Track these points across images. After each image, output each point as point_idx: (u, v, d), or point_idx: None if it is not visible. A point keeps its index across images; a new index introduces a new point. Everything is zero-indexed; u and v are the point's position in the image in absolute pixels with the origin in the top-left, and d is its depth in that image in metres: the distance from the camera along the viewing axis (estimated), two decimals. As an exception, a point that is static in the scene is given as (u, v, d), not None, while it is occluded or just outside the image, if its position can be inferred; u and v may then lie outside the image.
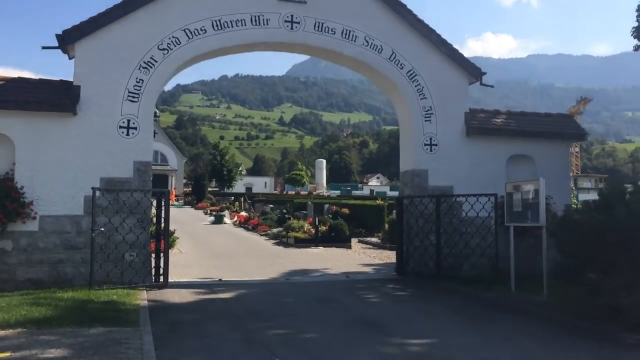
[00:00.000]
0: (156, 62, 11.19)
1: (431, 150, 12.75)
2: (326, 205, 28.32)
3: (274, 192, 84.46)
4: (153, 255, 10.92)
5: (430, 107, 12.81)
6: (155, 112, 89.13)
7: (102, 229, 10.10)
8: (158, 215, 10.93)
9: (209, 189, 62.82)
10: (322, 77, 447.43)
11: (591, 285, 7.82)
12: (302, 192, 66.32)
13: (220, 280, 11.75)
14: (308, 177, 74.94)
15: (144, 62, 11.13)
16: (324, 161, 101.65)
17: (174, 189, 69.87)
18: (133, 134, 11.00)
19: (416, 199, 12.43)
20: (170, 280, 11.12)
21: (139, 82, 11.08)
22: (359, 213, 25.97)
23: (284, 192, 78.08)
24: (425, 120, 12.78)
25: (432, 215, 12.18)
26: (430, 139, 12.78)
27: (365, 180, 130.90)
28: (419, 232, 12.34)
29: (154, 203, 11.14)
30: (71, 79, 10.94)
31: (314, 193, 62.04)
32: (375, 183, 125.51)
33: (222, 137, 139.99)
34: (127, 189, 10.61)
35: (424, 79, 12.80)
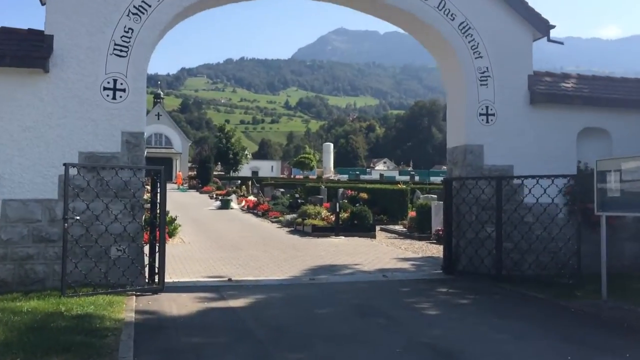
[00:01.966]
0: (149, 6, 8.85)
1: (487, 122, 10.41)
2: (341, 190, 25.99)
3: (281, 176, 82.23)
4: (146, 249, 8.69)
5: (487, 68, 10.44)
6: (160, 94, 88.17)
7: (78, 217, 7.84)
8: (152, 200, 8.67)
9: (215, 173, 60.61)
10: (328, 60, 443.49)
11: None
12: (311, 177, 64.00)
13: (229, 280, 9.52)
14: (316, 160, 72.49)
15: (134, 7, 8.79)
16: (332, 145, 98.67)
17: (180, 172, 67.78)
18: (121, 97, 8.71)
19: (469, 181, 10.11)
20: (168, 280, 8.93)
21: (127, 32, 8.76)
22: (379, 198, 23.63)
23: (292, 176, 75.82)
24: (481, 84, 10.41)
25: (490, 202, 9.87)
26: (487, 107, 10.42)
27: (372, 165, 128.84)
28: (472, 222, 10.05)
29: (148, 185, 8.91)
30: (42, 29, 8.64)
31: (324, 177, 59.71)
32: (382, 167, 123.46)
33: (227, 121, 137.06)
34: (111, 166, 8.33)
35: (479, 33, 10.41)
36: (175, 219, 16.22)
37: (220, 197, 32.92)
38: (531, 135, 10.55)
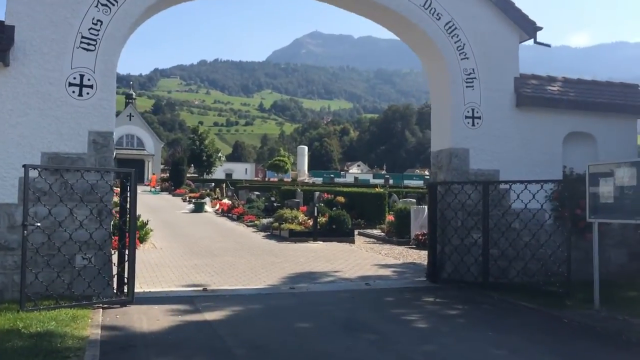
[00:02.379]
0: (119, -3, 8.28)
1: (473, 125, 10.09)
2: (317, 193, 25.61)
3: (256, 178, 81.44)
4: (115, 258, 8.09)
5: (473, 69, 10.13)
6: (132, 94, 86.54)
7: (39, 224, 7.21)
8: (122, 205, 8.07)
9: (188, 175, 59.55)
10: (303, 63, 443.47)
11: None
12: (285, 179, 63.45)
13: (204, 289, 8.97)
14: (291, 163, 71.91)
15: (103, -2, 8.20)
16: (306, 148, 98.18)
17: (154, 174, 66.40)
18: (88, 94, 8.11)
19: (455, 185, 9.76)
20: (138, 290, 8.35)
21: (96, 24, 8.16)
22: (356, 202, 23.27)
23: (266, 179, 75.11)
24: (467, 86, 10.09)
25: (477, 207, 9.55)
26: (473, 110, 10.10)
27: (345, 168, 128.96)
28: (458, 228, 9.71)
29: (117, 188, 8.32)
30: (2, 19, 7.99)
31: (298, 180, 59.20)
32: (356, 171, 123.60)
33: (201, 123, 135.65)
34: (76, 168, 7.71)
35: (465, 34, 10.09)
36: (146, 224, 15.56)
37: (193, 200, 32.12)
38: (517, 139, 10.28)
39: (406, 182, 73.89)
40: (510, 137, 10.22)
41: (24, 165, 6.96)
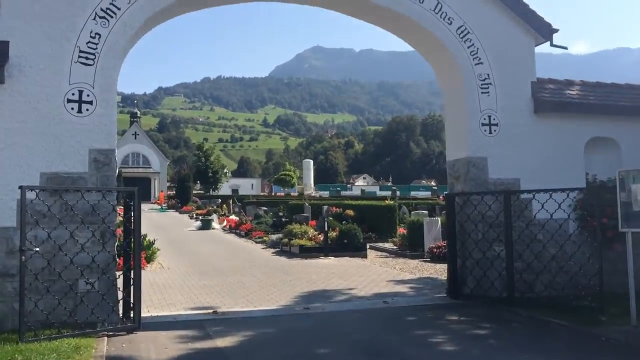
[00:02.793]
0: (118, 9, 7.92)
1: (491, 132, 9.65)
2: (325, 207, 25.10)
3: (262, 193, 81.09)
4: (120, 281, 7.65)
5: (488, 74, 9.71)
6: (136, 113, 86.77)
7: (37, 248, 6.79)
8: (126, 226, 7.66)
9: (194, 192, 59.26)
10: (305, 77, 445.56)
11: None
12: (292, 194, 63.04)
13: (215, 312, 8.51)
14: (297, 177, 71.58)
15: (101, 10, 7.86)
16: (311, 161, 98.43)
17: (162, 192, 66.19)
18: (87, 110, 7.74)
19: (474, 196, 9.29)
20: (145, 314, 7.92)
21: (94, 38, 7.81)
22: (366, 215, 22.80)
23: (273, 194, 74.78)
24: (482, 92, 9.67)
25: (499, 218, 9.08)
26: (489, 117, 9.67)
27: (352, 181, 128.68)
28: (479, 241, 9.23)
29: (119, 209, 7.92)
30: (-2, 34, 7.65)
31: (305, 194, 58.80)
32: (362, 183, 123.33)
33: (205, 140, 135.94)
34: (76, 188, 7.31)
35: (478, 38, 9.69)
36: (153, 243, 15.16)
37: (200, 217, 31.75)
38: (536, 147, 9.82)
39: (413, 193, 73.52)
40: (529, 144, 9.77)
41: (20, 187, 6.56)
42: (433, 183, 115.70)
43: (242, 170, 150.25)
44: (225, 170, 77.75)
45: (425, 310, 8.66)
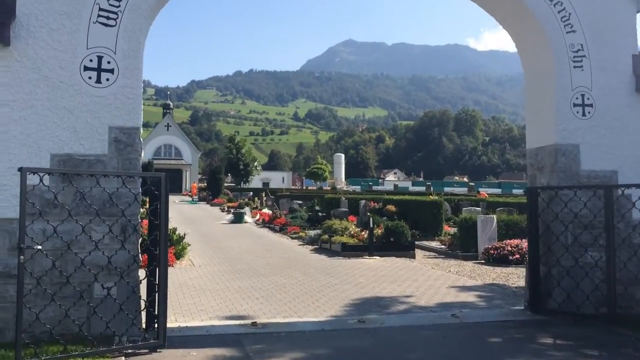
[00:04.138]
0: (146, -42, 6.62)
1: (584, 115, 8.04)
2: (363, 202, 23.59)
3: (293, 187, 79.99)
4: (144, 286, 6.37)
5: (582, 45, 8.10)
6: (169, 105, 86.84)
7: (39, 247, 5.51)
8: (150, 220, 6.35)
9: (225, 184, 58.44)
10: (337, 72, 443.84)
11: None
12: (324, 188, 61.72)
13: (254, 324, 7.17)
14: (329, 171, 70.20)
15: (126, -40, 6.55)
16: (343, 155, 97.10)
17: (194, 183, 65.66)
18: (108, 80, 6.45)
19: (565, 191, 7.71)
20: (172, 324, 6.66)
21: (117, -7, 6.52)
22: (408, 211, 21.17)
23: (304, 187, 73.61)
24: (575, 67, 8.07)
25: (595, 219, 7.50)
26: (582, 96, 8.06)
27: (382, 176, 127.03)
28: (570, 246, 7.66)
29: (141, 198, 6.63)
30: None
31: (338, 188, 57.40)
32: (392, 178, 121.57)
33: (237, 133, 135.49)
34: (90, 173, 6.03)
35: (570, 1, 8.09)
36: (183, 237, 13.95)
37: (232, 210, 30.62)
38: (637, 132, 8.17)
39: (447, 189, 71.24)
40: (629, 129, 8.13)
41: (20, 169, 5.28)
42: (465, 179, 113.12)
43: (273, 163, 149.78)
44: (256, 163, 76.86)
45: (507, 328, 7.14)
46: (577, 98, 8.02)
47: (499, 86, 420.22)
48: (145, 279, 6.22)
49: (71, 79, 6.35)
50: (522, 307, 8.26)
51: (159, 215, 6.04)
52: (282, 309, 8.28)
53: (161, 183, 5.98)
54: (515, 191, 70.28)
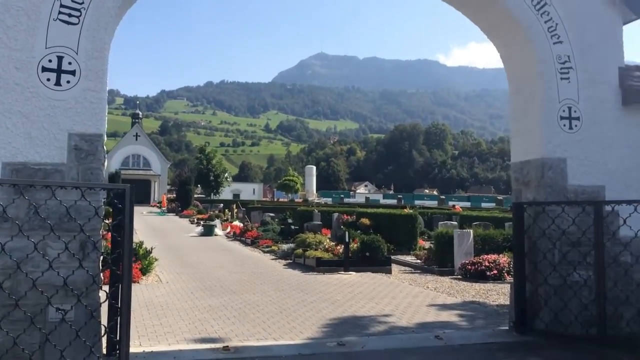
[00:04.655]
0: (113, -48, 6.11)
1: (571, 128, 7.79)
2: (336, 214, 23.24)
3: (264, 198, 79.20)
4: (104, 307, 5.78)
5: (568, 57, 7.87)
6: (138, 114, 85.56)
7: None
8: (113, 236, 5.78)
9: (195, 196, 57.37)
10: (308, 84, 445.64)
11: None
12: (296, 200, 61.19)
13: (225, 348, 6.62)
14: (301, 183, 69.69)
15: (91, -47, 6.04)
16: (314, 167, 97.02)
17: (164, 194, 64.36)
18: (69, 82, 5.89)
19: (552, 207, 7.43)
20: (136, 349, 6.10)
21: (80, -12, 5.99)
22: (382, 224, 20.88)
23: (275, 199, 72.95)
24: (562, 78, 7.83)
25: (584, 236, 7.23)
26: (569, 108, 7.82)
27: (353, 188, 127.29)
28: (557, 264, 7.36)
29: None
30: (-46, -18, 5.83)
31: (309, 200, 56.96)
32: (363, 190, 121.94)
33: (207, 143, 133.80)
34: (45, 184, 5.45)
35: (557, 11, 7.87)
36: (150, 251, 13.30)
37: (202, 222, 29.87)
38: (624, 146, 7.96)
39: (418, 202, 71.51)
40: (616, 143, 7.91)
41: (-37, 179, 4.68)
42: (435, 192, 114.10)
43: (244, 175, 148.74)
44: (226, 174, 75.85)
45: (494, 351, 6.77)
46: (563, 111, 7.78)
47: (467, 101, 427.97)
48: (107, 301, 5.64)
49: (27, 81, 5.76)
50: (507, 328, 7.92)
51: (122, 231, 5.47)
52: (256, 330, 7.76)
53: (125, 196, 5.42)
54: (484, 204, 71.11)
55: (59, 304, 5.40)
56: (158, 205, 58.25)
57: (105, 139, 6.22)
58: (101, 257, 5.99)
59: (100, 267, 5.92)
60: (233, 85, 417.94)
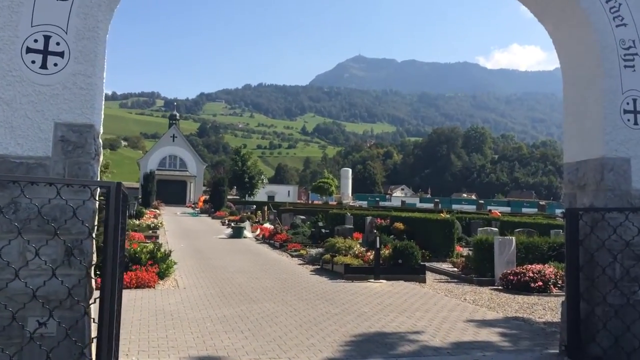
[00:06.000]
0: None
1: (636, 123, 6.71)
2: (369, 218, 22.27)
3: (299, 201, 78.73)
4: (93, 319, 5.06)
5: (633, 42, 6.80)
6: (175, 115, 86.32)
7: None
8: (106, 237, 5.05)
9: (229, 197, 57.22)
10: (346, 87, 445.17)
11: None
12: (330, 202, 60.39)
13: (232, 369, 5.84)
14: (335, 186, 68.86)
15: None
16: (350, 170, 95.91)
17: (201, 195, 64.49)
18: (56, 65, 5.21)
19: (613, 214, 6.37)
20: (130, 369, 5.32)
21: (72, -41, 5.31)
22: (417, 230, 19.87)
23: (310, 202, 72.36)
24: (625, 66, 6.76)
25: (652, 248, 6.16)
26: (634, 101, 6.75)
27: (389, 192, 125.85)
28: (619, 280, 6.31)
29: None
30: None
31: (344, 203, 56.05)
32: (400, 194, 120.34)
33: (244, 146, 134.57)
34: (28, 180, 4.76)
35: (621, -11, 6.82)
36: (169, 254, 12.67)
37: (232, 224, 29.35)
38: (697, 146, 6.84)
39: (455, 206, 69.66)
40: (689, 141, 6.80)
41: None
42: (474, 197, 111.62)
43: (279, 177, 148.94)
44: (262, 176, 75.70)
45: (544, 382, 5.78)
46: (627, 103, 6.71)
47: (508, 105, 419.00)
48: (98, 311, 4.92)
49: (10, 64, 5.10)
50: (557, 351, 6.91)
51: (106, 234, 4.73)
52: (270, 346, 6.95)
53: (110, 194, 4.67)
54: (525, 210, 68.76)
55: (39, 315, 4.70)
56: (193, 206, 58.33)
57: (101, 131, 5.52)
58: (91, 265, 5.27)
59: (89, 274, 5.20)
60: (270, 88, 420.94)
